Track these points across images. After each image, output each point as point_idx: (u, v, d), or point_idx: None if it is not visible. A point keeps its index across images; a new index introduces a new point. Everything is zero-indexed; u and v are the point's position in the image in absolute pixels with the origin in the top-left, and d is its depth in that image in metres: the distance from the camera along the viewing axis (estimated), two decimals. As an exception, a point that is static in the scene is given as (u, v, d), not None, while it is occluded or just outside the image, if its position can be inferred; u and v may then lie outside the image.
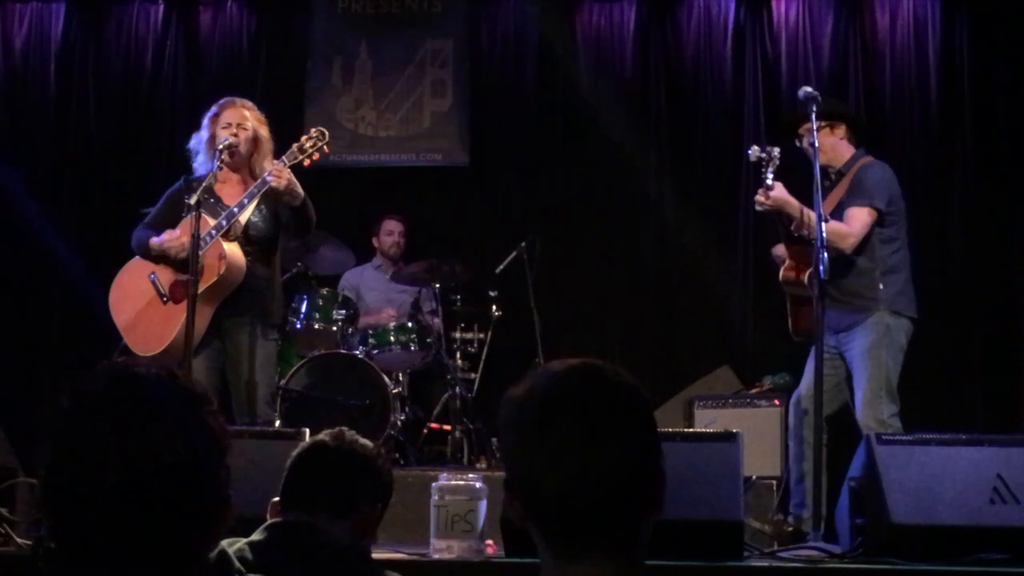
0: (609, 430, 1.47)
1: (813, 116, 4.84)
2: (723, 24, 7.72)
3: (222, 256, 4.80)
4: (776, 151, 4.96)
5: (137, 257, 5.08)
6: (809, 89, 4.94)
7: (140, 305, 4.98)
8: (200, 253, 4.73)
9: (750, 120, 7.56)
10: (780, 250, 5.20)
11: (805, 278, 4.91)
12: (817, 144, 4.86)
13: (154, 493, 1.37)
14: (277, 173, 4.77)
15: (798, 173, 5.17)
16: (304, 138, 4.92)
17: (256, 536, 2.26)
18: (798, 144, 5.16)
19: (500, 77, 7.97)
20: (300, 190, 4.86)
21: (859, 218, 4.99)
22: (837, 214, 5.02)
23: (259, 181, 4.86)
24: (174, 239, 4.88)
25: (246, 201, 4.85)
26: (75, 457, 1.38)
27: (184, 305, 4.70)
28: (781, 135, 5.21)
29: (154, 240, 4.96)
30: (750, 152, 5.02)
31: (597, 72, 7.81)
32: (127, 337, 4.98)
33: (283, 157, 4.88)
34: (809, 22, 7.61)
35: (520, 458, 1.50)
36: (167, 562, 1.39)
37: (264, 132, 5.07)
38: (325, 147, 4.92)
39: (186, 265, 4.68)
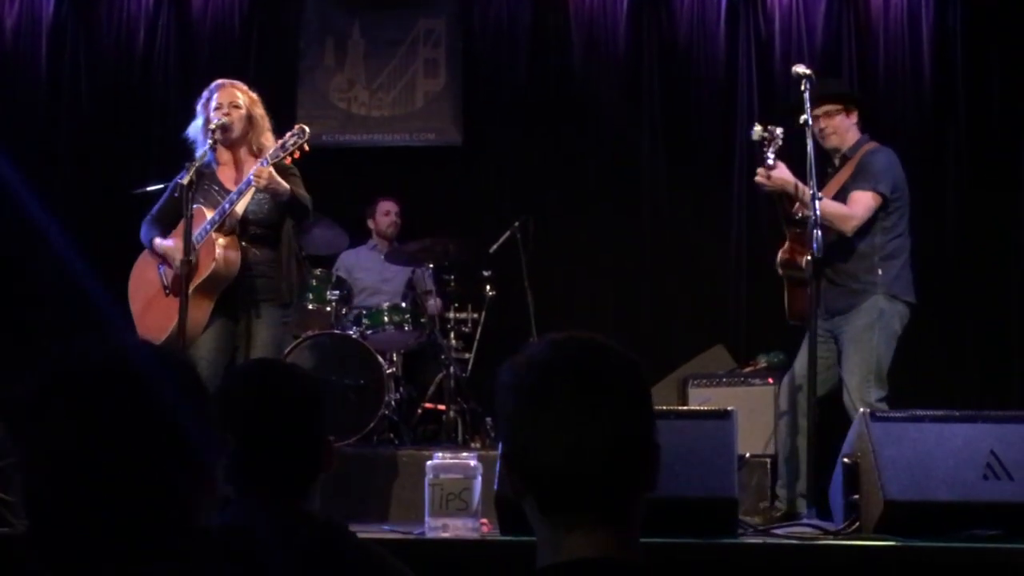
0: (608, 402, 1.48)
1: (806, 95, 4.83)
2: (717, 3, 7.69)
3: (212, 253, 4.81)
4: (779, 130, 4.95)
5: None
6: (803, 68, 4.93)
7: (149, 295, 5.03)
8: (196, 246, 4.75)
9: (743, 99, 7.55)
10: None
11: (803, 261, 4.90)
12: (811, 122, 4.85)
13: (143, 463, 1.36)
14: (257, 174, 4.78)
15: (799, 155, 5.16)
16: (287, 135, 4.91)
17: (227, 517, 2.20)
18: (807, 125, 5.06)
19: (493, 56, 7.95)
20: (284, 187, 4.85)
21: (862, 201, 4.98)
22: (841, 197, 5.02)
23: (245, 180, 4.86)
24: (174, 247, 4.88)
25: (235, 197, 4.85)
26: (60, 428, 1.36)
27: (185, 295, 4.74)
28: (789, 114, 5.17)
29: (157, 242, 4.99)
30: (753, 131, 5.00)
31: (590, 51, 7.79)
32: (138, 326, 5.01)
33: (265, 156, 4.87)
34: (803, 1, 7.60)
35: (518, 426, 1.50)
36: (157, 537, 1.38)
37: (259, 110, 5.05)
38: (306, 145, 4.91)
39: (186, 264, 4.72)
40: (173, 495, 1.39)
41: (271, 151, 4.88)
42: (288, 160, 4.92)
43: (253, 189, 4.87)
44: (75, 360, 1.42)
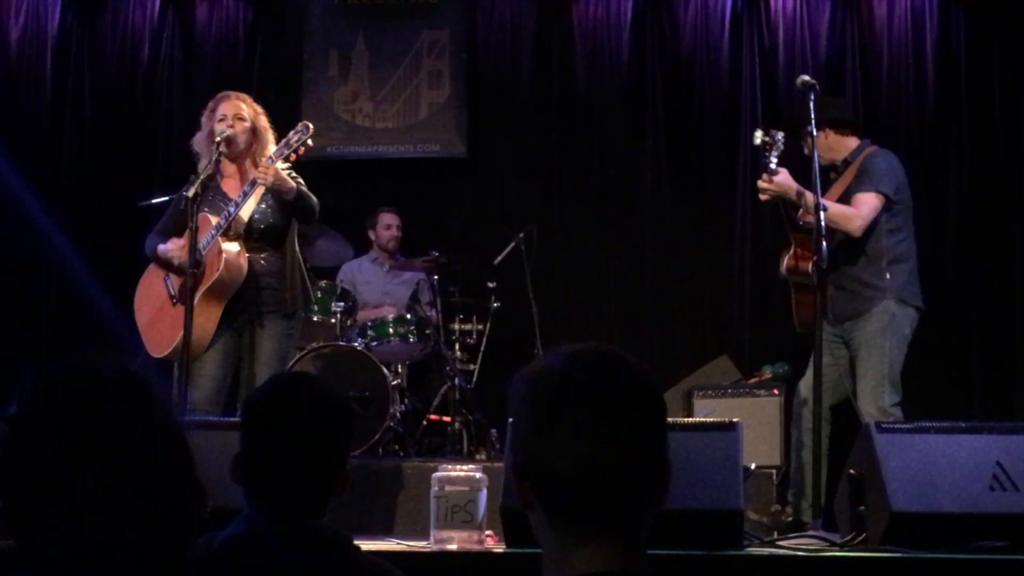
0: (625, 416, 1.46)
1: (812, 104, 4.83)
2: (720, 14, 7.71)
3: (220, 256, 4.80)
4: (780, 135, 4.95)
5: None
6: (807, 78, 4.93)
7: (156, 307, 5.00)
8: (203, 253, 4.74)
9: (747, 110, 7.55)
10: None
11: (809, 267, 4.89)
12: (815, 133, 4.84)
13: (131, 487, 1.35)
14: (263, 171, 4.78)
15: (801, 161, 5.16)
16: (291, 133, 4.92)
17: (236, 529, 2.18)
18: (812, 135, 5.06)
19: (497, 67, 7.96)
20: (290, 184, 4.85)
21: (866, 202, 4.96)
22: (845, 201, 5.01)
23: (250, 180, 4.86)
24: (177, 247, 4.87)
25: (241, 200, 4.84)
26: (41, 462, 1.34)
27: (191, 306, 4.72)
28: (793, 127, 5.18)
29: (160, 248, 4.97)
30: (755, 136, 5.01)
31: (594, 62, 7.80)
32: (144, 339, 4.99)
33: (270, 155, 4.88)
34: (806, 12, 7.61)
35: (531, 436, 1.48)
36: (149, 560, 1.37)
37: (262, 122, 5.06)
38: (309, 141, 4.90)
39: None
40: (173, 510, 1.39)
41: (276, 149, 4.89)
42: (293, 157, 4.93)
43: (258, 193, 4.88)
44: (77, 373, 1.41)
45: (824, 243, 4.57)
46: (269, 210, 4.96)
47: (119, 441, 1.36)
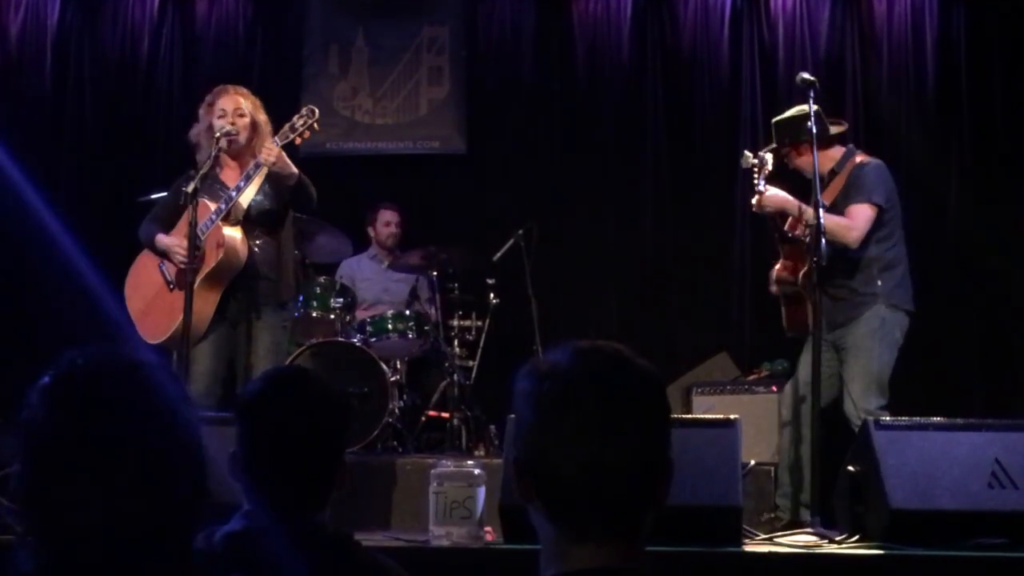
0: (631, 416, 1.46)
1: (811, 100, 4.82)
2: (720, 11, 7.71)
3: (220, 242, 4.80)
4: (769, 157, 4.97)
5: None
6: (806, 75, 4.93)
7: (151, 294, 4.99)
8: (202, 238, 4.74)
9: (747, 107, 7.55)
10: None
11: (799, 277, 4.92)
12: (816, 130, 4.84)
13: (141, 481, 1.35)
14: (267, 152, 4.79)
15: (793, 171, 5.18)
16: (296, 117, 4.93)
17: (236, 525, 2.18)
18: (811, 132, 4.98)
19: (497, 64, 7.96)
20: (292, 168, 4.86)
21: (862, 213, 4.97)
22: (834, 211, 5.01)
23: (252, 164, 4.87)
24: (177, 245, 4.85)
25: (243, 184, 4.85)
26: (53, 451, 1.35)
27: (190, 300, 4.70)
28: (789, 132, 5.18)
29: (160, 238, 4.97)
30: (742, 160, 5.03)
31: (594, 59, 7.80)
32: (139, 326, 4.98)
33: (275, 137, 4.89)
34: (806, 9, 7.60)
35: (535, 434, 1.48)
36: (155, 549, 1.37)
37: (261, 116, 5.07)
38: (316, 124, 4.91)
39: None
40: (175, 503, 1.39)
41: (281, 131, 4.90)
42: (298, 141, 4.94)
43: (260, 178, 4.88)
44: (80, 365, 1.41)
45: (823, 240, 4.57)
46: (264, 197, 4.99)
47: (142, 426, 1.37)
